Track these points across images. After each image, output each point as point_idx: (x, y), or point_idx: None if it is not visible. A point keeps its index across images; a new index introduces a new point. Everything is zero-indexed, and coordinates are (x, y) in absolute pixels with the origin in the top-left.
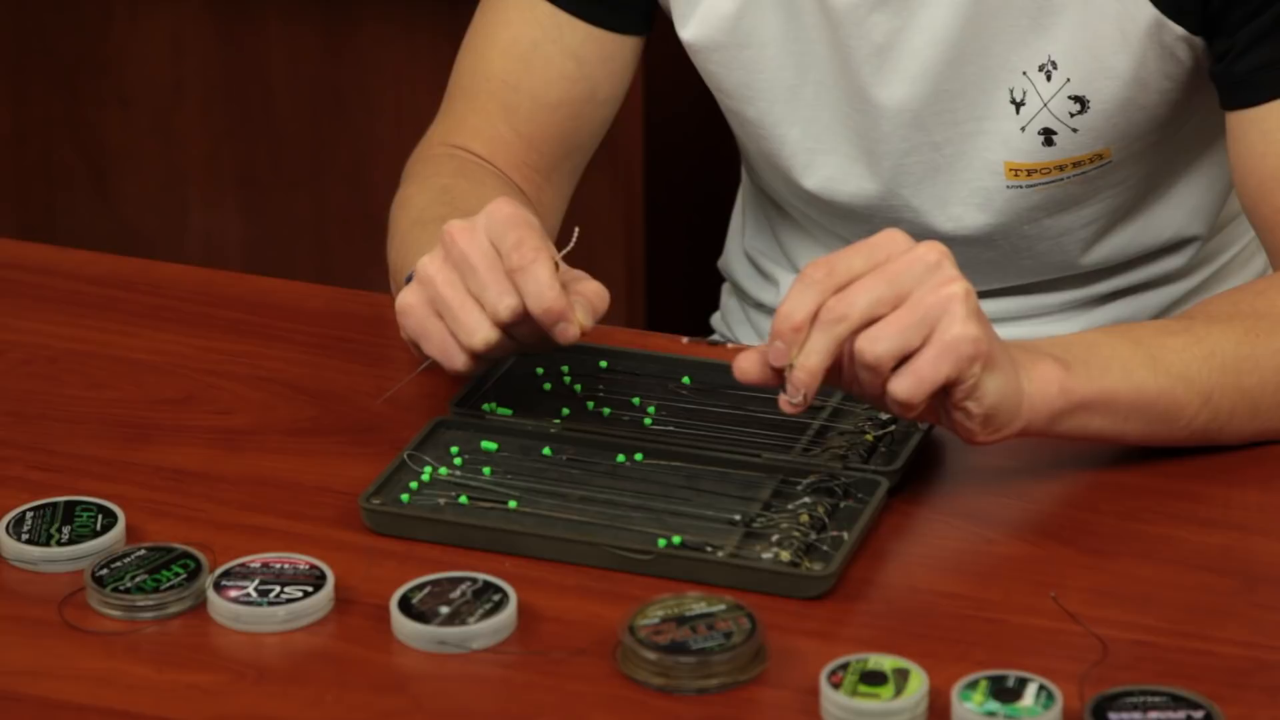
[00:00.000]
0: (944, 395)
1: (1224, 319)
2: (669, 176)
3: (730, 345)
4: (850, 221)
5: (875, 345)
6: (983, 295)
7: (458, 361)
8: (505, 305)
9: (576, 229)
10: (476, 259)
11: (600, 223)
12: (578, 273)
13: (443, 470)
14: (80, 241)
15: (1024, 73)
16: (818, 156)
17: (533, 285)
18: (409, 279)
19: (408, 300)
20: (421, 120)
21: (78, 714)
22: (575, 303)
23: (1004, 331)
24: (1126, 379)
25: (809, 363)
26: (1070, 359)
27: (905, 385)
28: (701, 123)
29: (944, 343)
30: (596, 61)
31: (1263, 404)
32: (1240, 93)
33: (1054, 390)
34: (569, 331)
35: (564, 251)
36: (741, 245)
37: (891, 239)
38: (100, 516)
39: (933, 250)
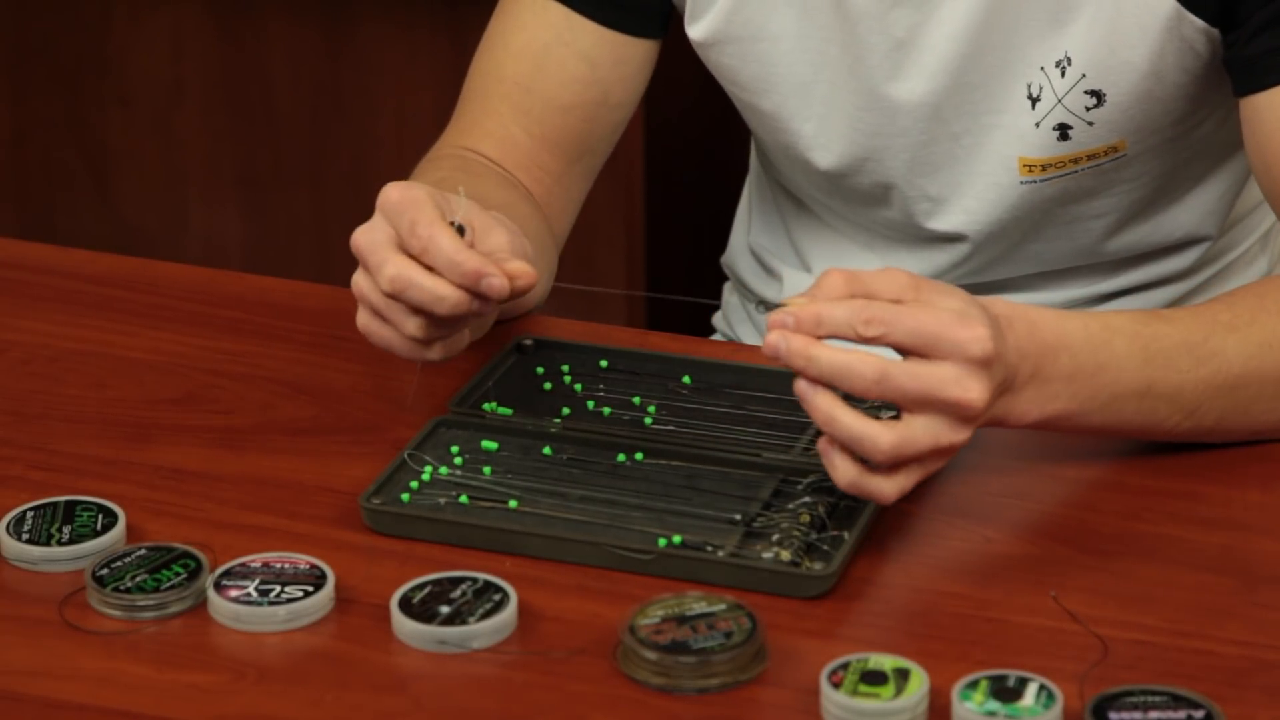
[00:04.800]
0: None
1: (1246, 324)
2: (669, 176)
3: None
4: (870, 207)
5: (913, 381)
6: (989, 290)
7: (429, 354)
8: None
9: (461, 188)
10: (367, 250)
11: (600, 223)
12: (490, 221)
13: (443, 470)
14: (80, 241)
15: (1041, 68)
16: (833, 152)
17: (441, 258)
18: None
19: (360, 321)
20: (422, 120)
21: (78, 714)
22: (499, 256)
23: None
24: (1107, 407)
25: (813, 315)
26: (1069, 379)
27: (891, 440)
28: (701, 124)
29: (942, 447)
30: (609, 65)
31: (1254, 409)
32: (1252, 77)
33: (1031, 417)
34: (494, 284)
35: (456, 220)
36: (746, 240)
37: (938, 289)
38: (100, 516)
39: (980, 337)
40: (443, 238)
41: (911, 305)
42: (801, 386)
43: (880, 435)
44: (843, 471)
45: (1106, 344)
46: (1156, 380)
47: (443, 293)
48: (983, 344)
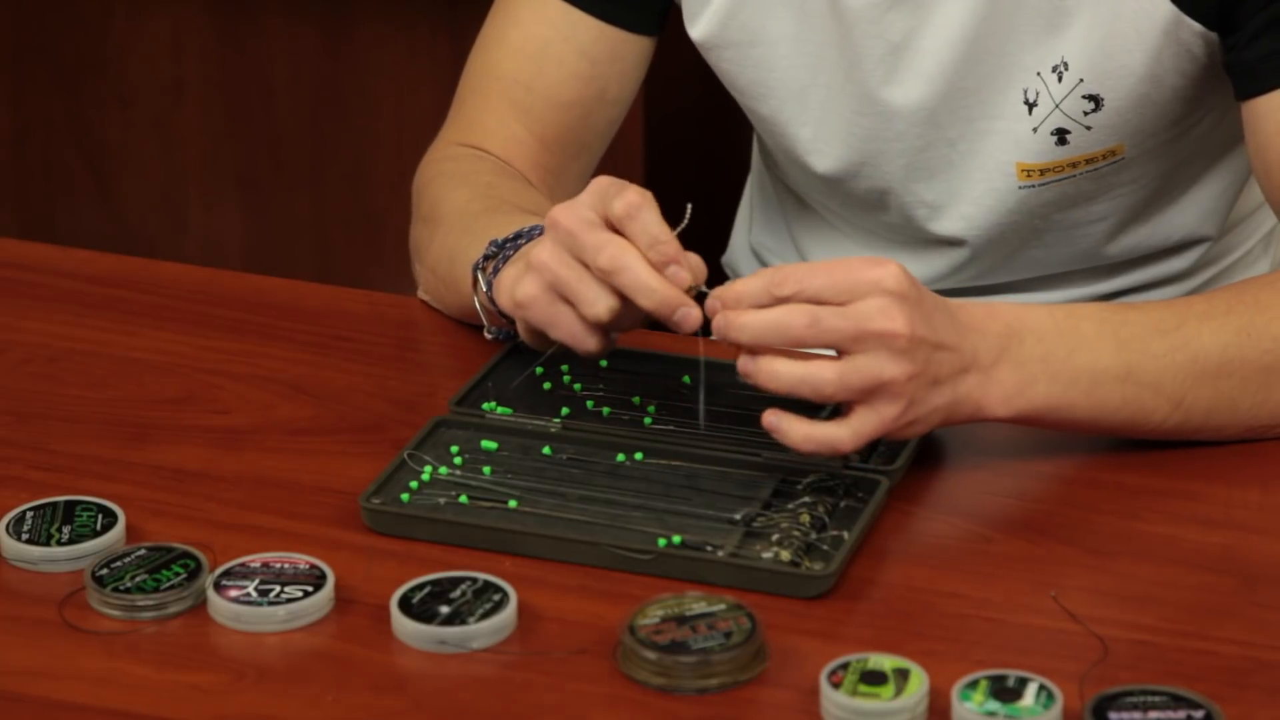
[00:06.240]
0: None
1: (1222, 313)
2: (669, 176)
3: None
4: (869, 211)
5: (843, 319)
6: (990, 293)
7: (590, 343)
8: (606, 257)
9: (689, 205)
10: (579, 227)
11: None
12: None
13: (443, 470)
14: (80, 241)
15: (1038, 73)
16: (830, 156)
17: (641, 232)
18: (478, 266)
19: (527, 291)
20: (421, 120)
21: (78, 714)
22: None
23: None
24: (1090, 393)
25: (731, 293)
26: (1043, 361)
27: (836, 370)
28: (702, 123)
29: (885, 380)
30: (607, 60)
31: (1242, 404)
32: (1253, 81)
33: (1014, 405)
34: (681, 274)
35: (679, 229)
36: (748, 240)
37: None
38: (100, 516)
39: (892, 272)
40: (652, 212)
41: (820, 263)
42: (743, 361)
43: (825, 368)
44: (795, 430)
45: (1074, 328)
46: (1134, 366)
47: (653, 284)
48: (895, 277)
